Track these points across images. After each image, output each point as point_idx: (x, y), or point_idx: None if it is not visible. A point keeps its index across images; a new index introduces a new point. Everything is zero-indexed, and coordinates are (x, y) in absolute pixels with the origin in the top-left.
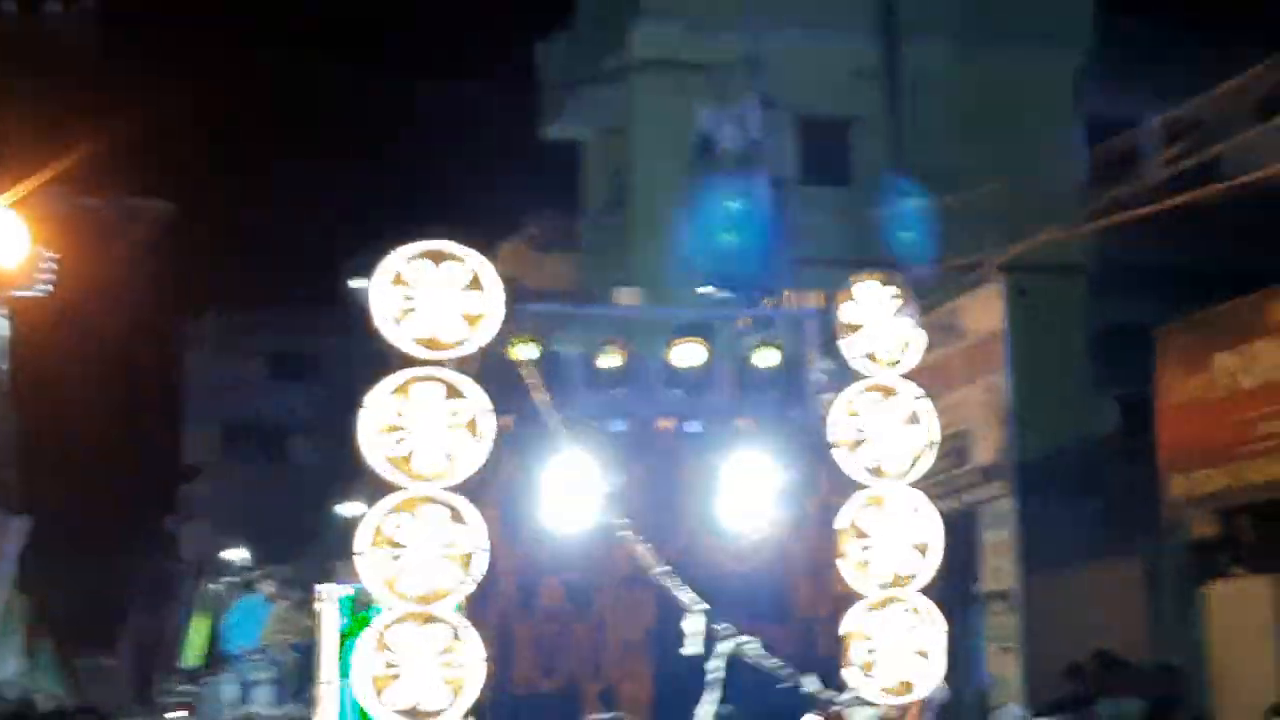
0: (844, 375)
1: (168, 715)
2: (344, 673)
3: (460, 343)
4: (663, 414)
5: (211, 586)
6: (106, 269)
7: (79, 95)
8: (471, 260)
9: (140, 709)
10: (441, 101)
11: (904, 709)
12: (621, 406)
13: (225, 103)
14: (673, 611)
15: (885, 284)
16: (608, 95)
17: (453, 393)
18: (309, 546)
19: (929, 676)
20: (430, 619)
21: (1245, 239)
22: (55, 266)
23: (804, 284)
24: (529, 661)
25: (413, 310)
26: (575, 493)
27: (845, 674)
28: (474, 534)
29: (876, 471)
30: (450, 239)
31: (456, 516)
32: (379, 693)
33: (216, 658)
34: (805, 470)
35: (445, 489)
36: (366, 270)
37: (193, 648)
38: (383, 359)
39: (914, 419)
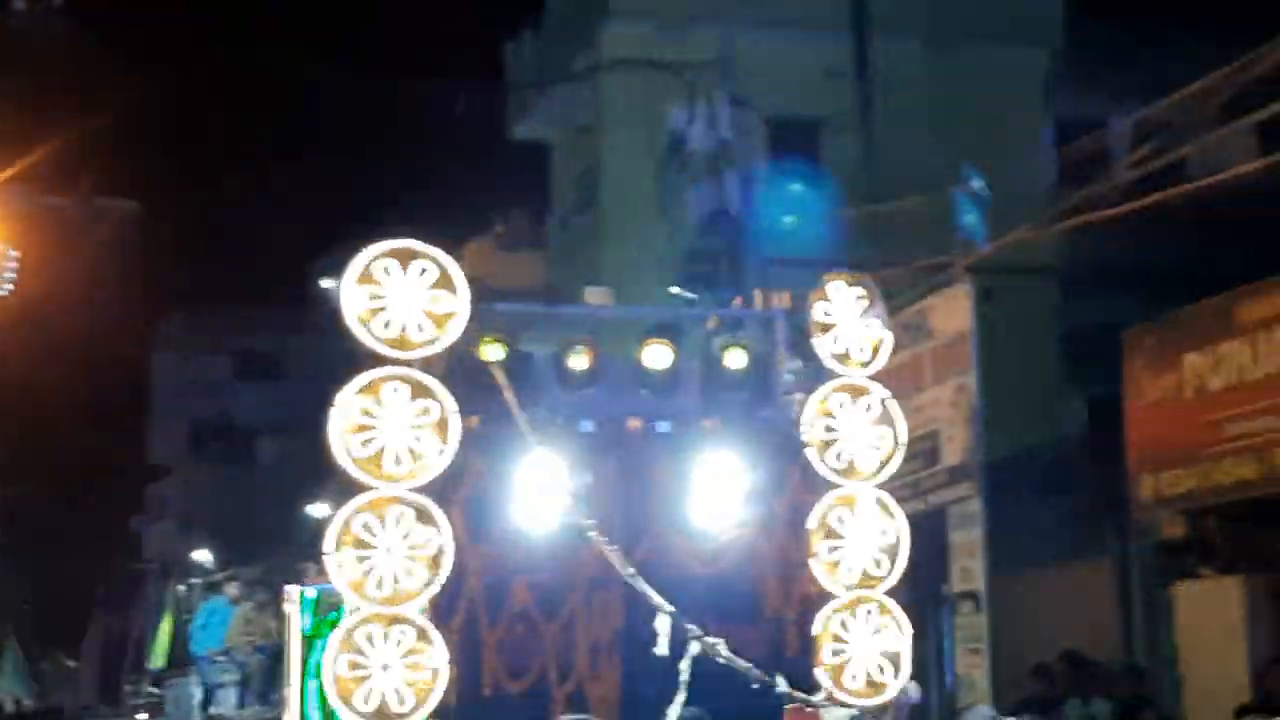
0: (814, 375)
1: (133, 717)
2: (310, 674)
3: (428, 342)
4: (631, 414)
5: (178, 588)
6: (72, 268)
7: (44, 94)
8: (440, 259)
9: (105, 711)
10: (409, 101)
11: (882, 709)
12: (590, 407)
13: (193, 101)
14: (642, 612)
15: (854, 284)
16: (577, 95)
17: (421, 392)
18: (275, 547)
19: (897, 677)
20: (397, 620)
21: (1213, 240)
22: (18, 265)
23: (773, 284)
24: (496, 663)
25: (380, 309)
26: (543, 493)
27: (815, 675)
28: (441, 535)
29: (847, 471)
30: (418, 238)
31: (424, 517)
32: (345, 694)
33: (182, 659)
34: (775, 470)
35: (413, 489)
36: (334, 269)
37: (158, 649)
38: (351, 358)
39: (884, 419)
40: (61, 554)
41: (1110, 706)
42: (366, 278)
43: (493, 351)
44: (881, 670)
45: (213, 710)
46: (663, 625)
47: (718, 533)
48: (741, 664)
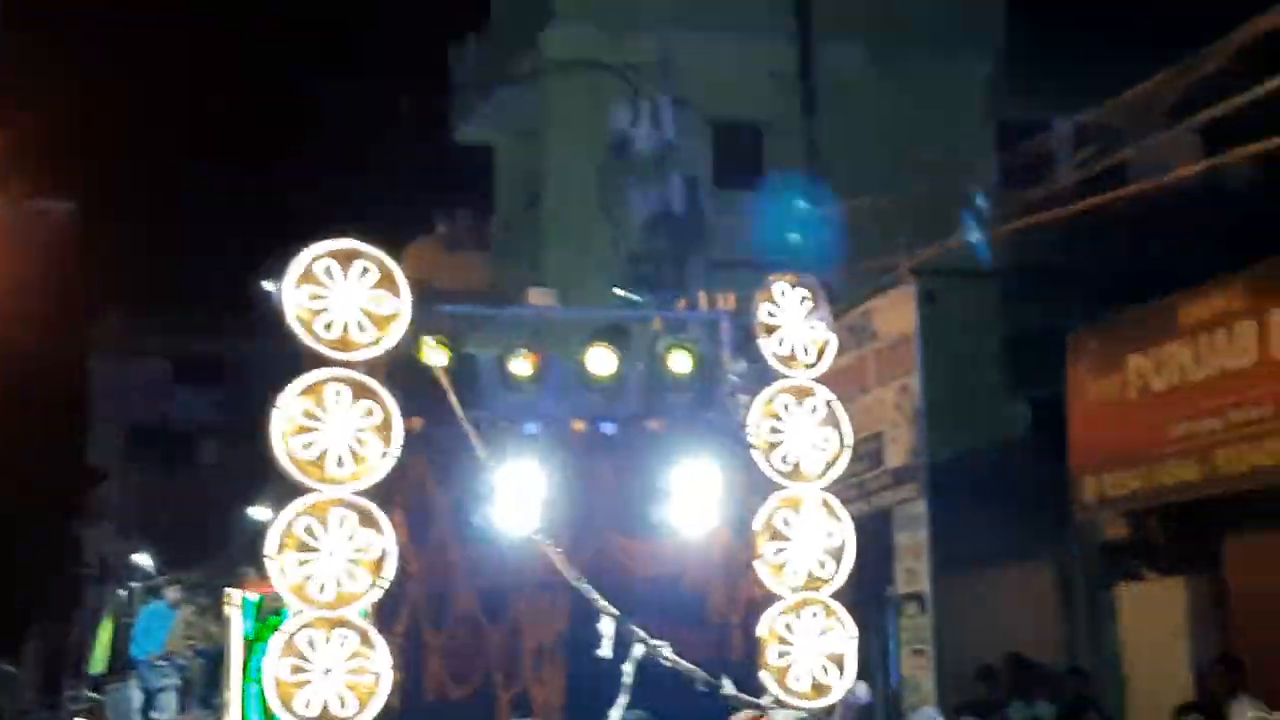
0: (759, 377)
1: None
2: (251, 679)
3: (370, 343)
4: (576, 416)
5: (118, 591)
6: (7, 271)
7: None
8: (381, 260)
9: (45, 715)
10: (352, 102)
11: (827, 710)
12: (534, 408)
13: (131, 103)
14: (587, 615)
15: (799, 286)
16: (521, 97)
17: (363, 394)
18: (216, 551)
19: (842, 679)
20: (339, 624)
21: (1156, 243)
22: None
23: (718, 286)
24: (440, 667)
25: (322, 311)
26: (487, 496)
27: (760, 677)
28: (384, 538)
29: (792, 473)
30: (360, 239)
31: (367, 520)
32: (286, 699)
33: (122, 664)
34: (720, 472)
35: (355, 492)
36: (275, 271)
37: (98, 654)
38: (292, 360)
39: (829, 421)
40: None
41: (1054, 708)
42: (308, 278)
43: (436, 355)
44: (826, 672)
45: (153, 715)
46: (607, 628)
47: (663, 535)
48: (686, 666)
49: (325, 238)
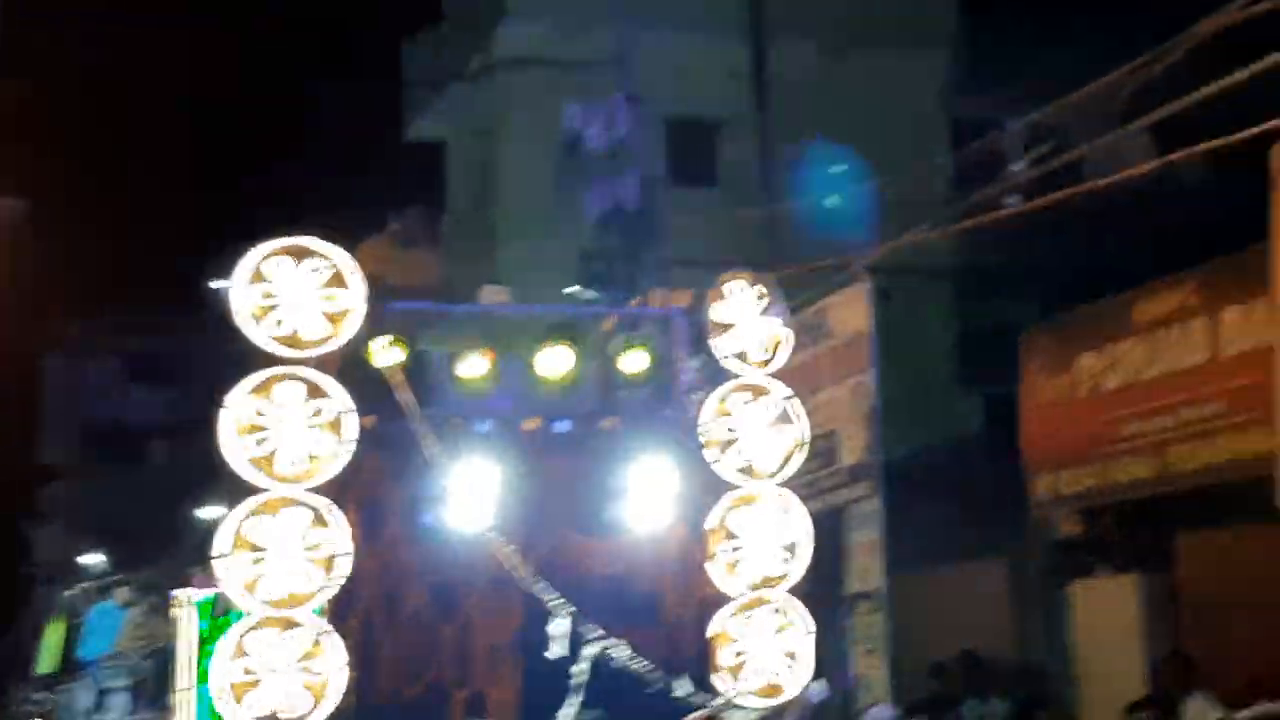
0: (713, 375)
1: None
2: (202, 679)
3: (322, 341)
4: (530, 414)
5: (67, 592)
6: None
7: None
8: (333, 257)
9: None
10: (304, 98)
11: (781, 709)
12: (488, 406)
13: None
14: (541, 615)
15: (754, 283)
16: (474, 94)
17: (315, 392)
18: (168, 550)
19: (797, 678)
20: (291, 624)
21: (1109, 242)
22: None
23: (672, 284)
24: (393, 666)
25: (273, 308)
26: (441, 495)
27: (713, 677)
28: (336, 536)
29: (747, 471)
30: (312, 236)
31: (319, 519)
32: (238, 699)
33: (71, 665)
34: (674, 471)
35: (307, 490)
36: (226, 269)
37: (47, 654)
38: (244, 359)
39: (784, 419)
40: None
41: (1007, 706)
42: (259, 276)
43: (389, 350)
44: (781, 671)
45: (105, 716)
46: (558, 628)
47: (617, 534)
48: (640, 666)
49: (277, 235)
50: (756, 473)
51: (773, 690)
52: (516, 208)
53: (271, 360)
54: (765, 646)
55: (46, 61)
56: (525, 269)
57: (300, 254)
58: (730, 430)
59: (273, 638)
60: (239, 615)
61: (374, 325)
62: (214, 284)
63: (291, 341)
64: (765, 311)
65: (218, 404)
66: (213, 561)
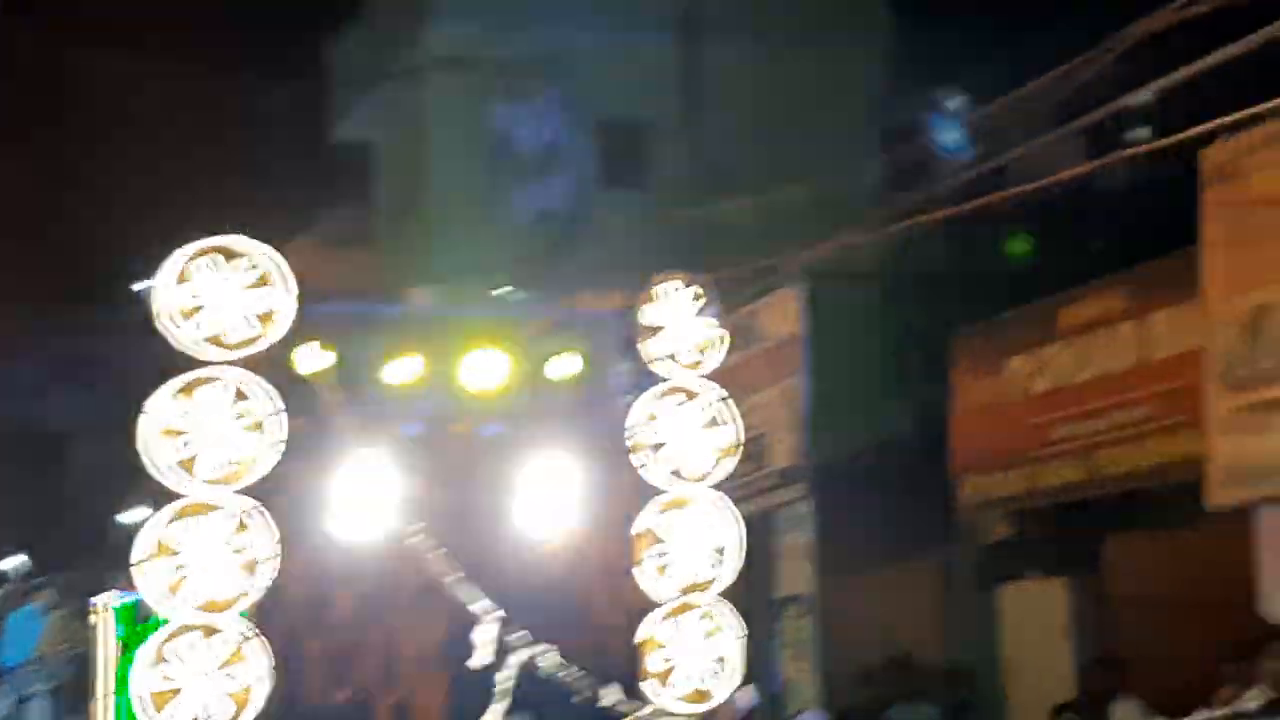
0: (644, 377)
1: None
2: (123, 686)
3: (248, 342)
4: (459, 417)
5: None
6: None
7: None
8: (260, 257)
9: None
10: (229, 96)
11: (710, 716)
12: (416, 409)
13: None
14: (468, 621)
15: (685, 286)
16: (402, 94)
17: (240, 394)
18: (90, 554)
19: (726, 683)
20: (213, 630)
21: (1038, 245)
22: None
23: (603, 287)
24: (319, 673)
25: (198, 309)
26: (367, 499)
27: (642, 683)
28: (261, 541)
29: (677, 475)
30: (239, 236)
31: (243, 523)
32: (158, 707)
33: None
34: (604, 474)
35: (231, 494)
36: (150, 268)
37: None
38: (168, 360)
39: (715, 422)
40: None
41: (936, 710)
42: (184, 276)
43: (316, 352)
44: (710, 676)
45: None
46: (483, 634)
47: (546, 539)
48: (567, 673)
49: (202, 234)
50: (686, 476)
51: (701, 696)
52: (446, 209)
53: (196, 362)
54: (694, 652)
55: None
56: (455, 271)
57: (226, 254)
58: (660, 433)
59: (194, 644)
60: (160, 621)
61: (301, 327)
62: (141, 284)
63: (217, 343)
64: (697, 314)
65: (140, 406)
66: (133, 566)
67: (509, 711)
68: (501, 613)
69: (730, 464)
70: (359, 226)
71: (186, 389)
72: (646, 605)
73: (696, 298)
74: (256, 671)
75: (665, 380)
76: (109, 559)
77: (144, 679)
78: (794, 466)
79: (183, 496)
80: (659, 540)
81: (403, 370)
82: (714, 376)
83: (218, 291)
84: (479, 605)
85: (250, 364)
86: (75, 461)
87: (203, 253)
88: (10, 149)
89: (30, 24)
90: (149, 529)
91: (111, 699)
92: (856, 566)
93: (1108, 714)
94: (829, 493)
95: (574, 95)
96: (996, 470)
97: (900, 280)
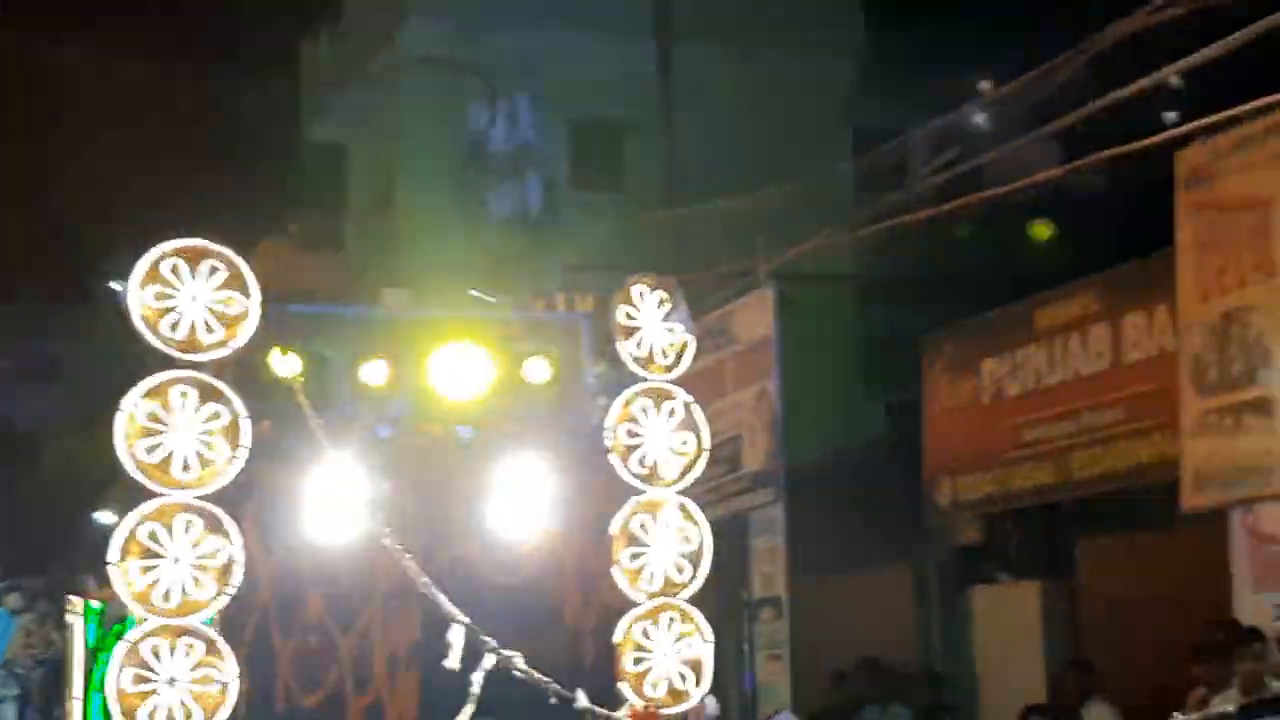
0: (617, 379)
1: None
2: (94, 689)
3: (219, 344)
4: (430, 419)
5: None
6: None
7: None
8: (231, 259)
9: None
10: (201, 95)
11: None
12: (388, 411)
13: None
14: (441, 624)
15: (658, 288)
16: (375, 95)
17: (210, 396)
18: (60, 556)
19: (699, 686)
20: (185, 632)
21: (1012, 248)
22: None
23: (576, 288)
24: (290, 676)
25: (169, 310)
26: (338, 501)
27: (617, 686)
28: (232, 544)
29: (650, 477)
30: (209, 237)
31: (213, 525)
32: (130, 709)
33: None
34: (577, 476)
35: (202, 497)
36: (122, 269)
37: None
38: (139, 361)
39: (688, 424)
40: None
41: (908, 712)
42: (154, 277)
43: (288, 359)
44: (683, 679)
45: None
46: (456, 637)
47: (519, 541)
48: (538, 677)
49: (173, 236)
50: (659, 479)
51: (675, 698)
52: (418, 210)
53: (167, 363)
54: (668, 654)
55: None
56: (427, 272)
57: (197, 256)
58: (633, 435)
59: (166, 647)
60: (131, 623)
61: (272, 328)
62: (110, 285)
63: (187, 344)
64: (669, 316)
65: (111, 407)
66: (105, 568)
67: (478, 714)
68: (473, 615)
69: (701, 467)
70: (331, 227)
71: (158, 390)
72: (619, 607)
73: (669, 300)
74: (227, 675)
75: (639, 382)
76: (79, 561)
77: (117, 680)
78: (766, 469)
79: (155, 497)
80: (633, 542)
81: (374, 372)
82: (687, 379)
83: (188, 293)
84: (451, 608)
85: (220, 366)
86: (44, 462)
87: (174, 254)
88: None
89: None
90: (121, 530)
91: (83, 701)
92: (830, 569)
93: (1079, 716)
94: (802, 495)
95: (546, 96)
96: (968, 473)
97: (874, 282)
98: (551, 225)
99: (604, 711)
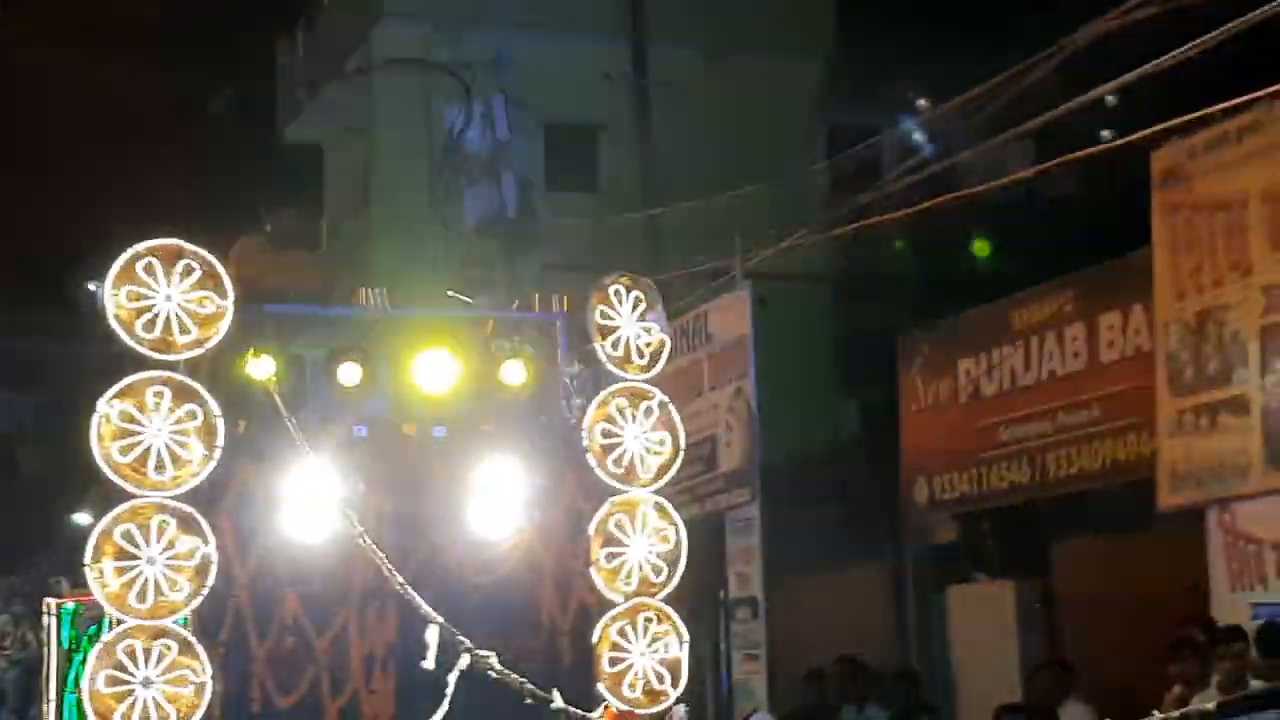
0: (593, 379)
1: None
2: (69, 690)
3: (193, 344)
4: (407, 418)
5: None
6: None
7: None
8: (205, 259)
9: None
10: (177, 95)
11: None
12: (364, 410)
13: None
14: (417, 625)
15: (634, 287)
16: (350, 95)
17: (185, 396)
18: (36, 557)
19: (676, 686)
20: (160, 633)
21: (987, 248)
22: None
23: (552, 288)
24: (265, 677)
25: (143, 310)
26: (314, 501)
27: (595, 685)
28: (207, 544)
29: (626, 477)
30: (184, 237)
31: (189, 526)
32: (105, 711)
33: None
34: (553, 476)
35: (177, 497)
36: (95, 269)
37: None
38: (114, 362)
39: (664, 424)
40: None
41: (885, 712)
42: (129, 277)
43: (262, 354)
44: (660, 679)
45: None
46: (431, 637)
47: (495, 541)
48: (514, 678)
49: (148, 236)
50: (636, 478)
51: (652, 698)
52: (394, 210)
53: (142, 363)
54: (644, 654)
55: None
56: (403, 272)
57: (172, 255)
58: (610, 435)
59: (142, 648)
60: (106, 624)
61: (248, 328)
62: (85, 286)
63: (162, 344)
64: (645, 316)
65: (88, 408)
66: (80, 569)
67: (453, 715)
68: (449, 615)
69: (676, 467)
70: (307, 227)
71: (132, 390)
72: (595, 607)
73: (644, 300)
74: (203, 675)
75: (614, 382)
76: (54, 562)
77: (92, 681)
78: (742, 469)
79: (131, 498)
80: (609, 542)
81: (350, 372)
82: (663, 379)
83: (162, 293)
84: (426, 608)
85: (195, 366)
86: (21, 464)
87: (149, 253)
88: None
89: None
90: (96, 531)
91: (59, 702)
92: (806, 568)
93: (1055, 716)
94: (778, 495)
95: (522, 97)
96: (944, 472)
97: (849, 282)
98: (527, 226)
99: (579, 712)
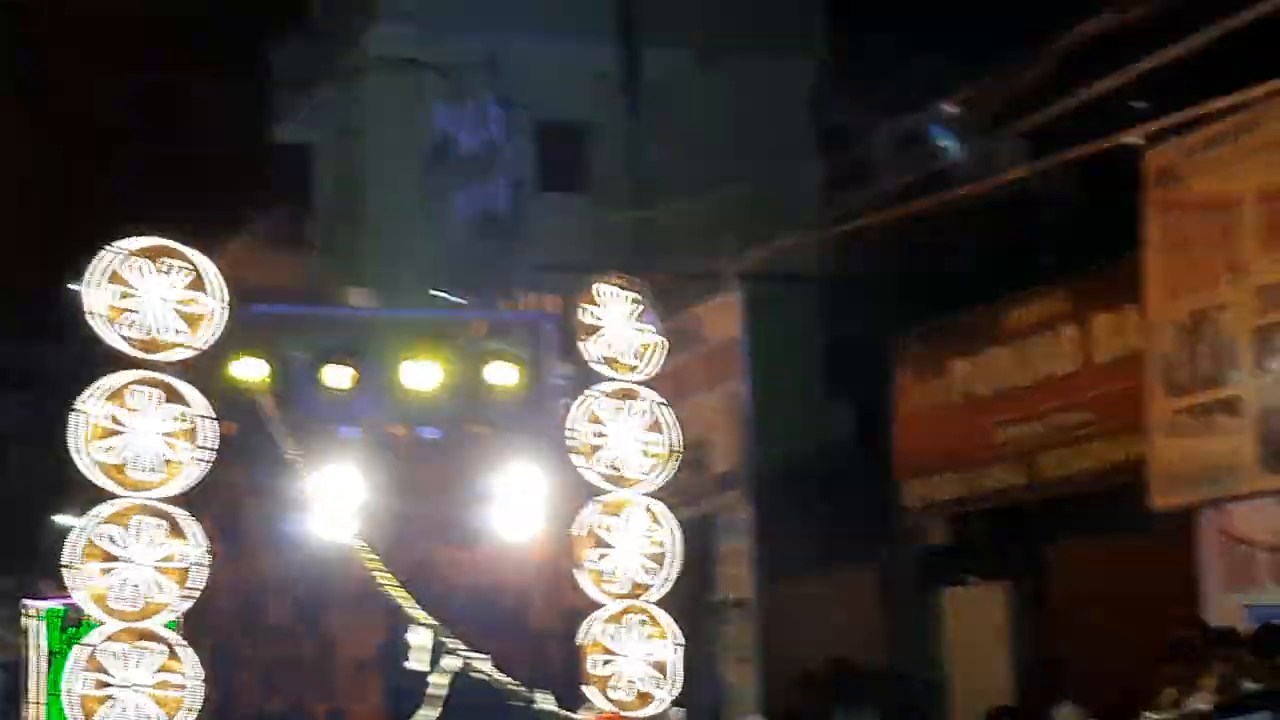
0: (583, 380)
1: None
2: (54, 693)
3: (181, 344)
4: (397, 420)
5: None
6: None
7: None
8: (193, 259)
9: None
10: (167, 95)
11: None
12: (354, 412)
13: None
14: (405, 627)
15: (625, 289)
16: (342, 96)
17: (172, 397)
18: (20, 559)
19: (667, 688)
20: (145, 636)
21: (981, 248)
22: None
23: (542, 289)
24: (253, 681)
25: (130, 311)
26: (303, 503)
27: (582, 688)
28: (193, 546)
29: (616, 478)
30: (172, 237)
31: (174, 528)
32: (90, 714)
33: None
34: (543, 477)
35: (163, 499)
36: (83, 269)
37: None
38: (101, 362)
39: (654, 425)
40: None
41: (877, 715)
42: (116, 278)
43: (251, 355)
44: (650, 681)
45: None
46: (417, 639)
47: (485, 542)
48: (502, 679)
49: (137, 235)
50: (625, 480)
51: (642, 701)
52: (384, 211)
53: (128, 364)
54: (634, 657)
55: None
56: (393, 272)
57: (159, 255)
58: (599, 436)
59: (126, 651)
60: (91, 627)
61: (236, 329)
62: (72, 285)
63: (149, 345)
64: (636, 317)
65: (71, 408)
66: (63, 571)
67: (442, 716)
68: (437, 617)
69: (670, 468)
70: (297, 227)
71: (118, 391)
72: (584, 609)
73: (636, 301)
74: (189, 678)
75: (604, 383)
76: (39, 563)
77: (76, 684)
78: (734, 471)
79: (114, 500)
80: (599, 543)
81: (339, 373)
82: (654, 380)
83: (149, 293)
84: (415, 611)
85: (182, 366)
86: (7, 466)
87: (136, 254)
88: None
89: None
90: (79, 533)
91: (44, 705)
92: (798, 570)
93: (1047, 717)
94: (770, 496)
95: (513, 97)
96: (937, 474)
97: (841, 283)
98: (518, 226)
99: (565, 713)
